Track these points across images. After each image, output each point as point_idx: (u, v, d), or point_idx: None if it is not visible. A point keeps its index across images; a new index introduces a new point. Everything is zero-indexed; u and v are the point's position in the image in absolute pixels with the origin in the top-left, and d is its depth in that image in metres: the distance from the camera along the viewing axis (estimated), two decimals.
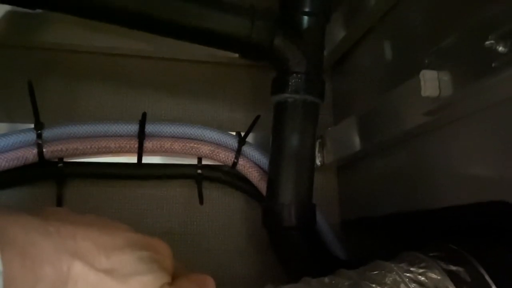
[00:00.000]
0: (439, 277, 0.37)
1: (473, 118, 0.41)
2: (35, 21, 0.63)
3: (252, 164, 0.65)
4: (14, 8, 0.61)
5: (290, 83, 0.57)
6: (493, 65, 0.33)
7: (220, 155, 0.64)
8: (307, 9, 0.58)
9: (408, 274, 0.38)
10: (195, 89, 0.71)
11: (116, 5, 0.53)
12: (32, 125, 0.59)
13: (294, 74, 0.58)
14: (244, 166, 0.65)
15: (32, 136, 0.58)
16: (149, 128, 0.62)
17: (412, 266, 0.39)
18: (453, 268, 0.38)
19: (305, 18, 0.59)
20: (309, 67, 0.58)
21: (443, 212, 0.47)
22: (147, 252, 0.32)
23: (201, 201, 0.66)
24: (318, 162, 0.69)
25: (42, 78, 0.64)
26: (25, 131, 0.59)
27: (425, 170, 0.51)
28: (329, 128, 0.68)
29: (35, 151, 0.58)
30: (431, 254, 0.41)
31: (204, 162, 0.66)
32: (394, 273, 0.38)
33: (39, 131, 0.58)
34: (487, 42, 0.33)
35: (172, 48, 0.67)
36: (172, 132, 0.63)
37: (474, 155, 0.42)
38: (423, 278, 0.38)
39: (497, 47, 0.33)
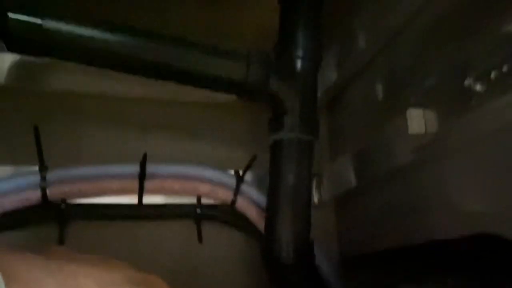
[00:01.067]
0: None
1: (460, 153, 0.43)
2: (42, 68, 0.67)
3: (251, 202, 0.66)
4: (22, 56, 0.64)
5: (285, 122, 0.60)
6: (472, 102, 0.35)
7: (219, 193, 0.66)
8: (300, 54, 0.62)
9: None
10: (194, 129, 0.73)
11: (118, 53, 0.56)
12: (37, 168, 0.61)
13: (289, 114, 0.60)
14: (242, 205, 0.66)
15: (36, 178, 0.60)
16: (149, 168, 0.63)
17: None
18: None
19: (298, 61, 0.62)
20: (303, 107, 0.61)
21: (439, 246, 0.48)
22: None
23: (200, 240, 0.67)
24: (315, 199, 0.70)
25: (46, 122, 0.66)
26: (30, 173, 0.60)
27: (420, 205, 0.52)
28: (326, 165, 0.70)
29: (38, 193, 0.59)
30: None
31: (203, 201, 0.67)
32: None
33: (43, 173, 0.60)
34: (466, 82, 0.36)
35: (171, 91, 0.69)
36: (172, 172, 0.65)
37: (464, 188, 0.43)
38: None
39: (475, 86, 0.35)
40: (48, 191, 0.60)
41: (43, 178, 0.60)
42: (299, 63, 0.62)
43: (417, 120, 0.40)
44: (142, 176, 0.63)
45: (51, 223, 0.63)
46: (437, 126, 0.40)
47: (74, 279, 0.30)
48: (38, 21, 0.52)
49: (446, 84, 0.39)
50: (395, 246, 0.57)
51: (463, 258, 0.47)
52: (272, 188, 0.60)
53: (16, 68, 0.66)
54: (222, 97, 0.65)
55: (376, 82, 0.60)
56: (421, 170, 0.49)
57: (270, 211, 0.60)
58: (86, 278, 0.30)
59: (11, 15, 0.52)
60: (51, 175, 0.60)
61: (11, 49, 0.55)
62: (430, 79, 0.41)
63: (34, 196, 0.59)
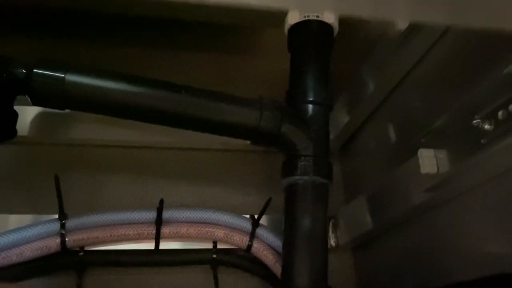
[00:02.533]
0: None
1: (474, 192, 0.43)
2: (62, 119, 0.70)
3: (267, 247, 0.66)
4: (44, 109, 0.67)
5: (299, 165, 0.60)
6: (482, 141, 0.36)
7: (235, 238, 0.66)
8: (311, 99, 0.63)
9: None
10: (209, 175, 0.75)
11: (136, 103, 0.58)
12: (56, 216, 0.62)
13: (302, 157, 0.61)
14: (258, 249, 0.66)
15: (56, 226, 0.61)
16: (166, 214, 0.64)
17: None
18: None
19: (310, 106, 0.63)
20: (316, 150, 0.62)
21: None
22: None
23: (217, 286, 0.66)
24: (332, 243, 0.69)
25: (66, 171, 0.68)
26: (49, 221, 0.62)
27: (436, 246, 0.51)
28: (341, 208, 0.70)
29: (58, 240, 0.60)
30: None
31: (219, 246, 0.67)
32: None
33: (62, 222, 0.61)
34: (475, 121, 0.37)
35: (187, 138, 0.71)
36: (188, 217, 0.65)
37: (480, 228, 0.43)
38: None
39: (484, 125, 0.36)
40: (67, 239, 0.61)
41: (63, 226, 0.61)
42: (310, 108, 0.63)
43: (429, 160, 0.41)
44: (158, 222, 0.63)
45: (70, 270, 0.63)
46: (449, 165, 0.40)
47: None
48: (61, 75, 0.56)
49: (456, 124, 0.40)
50: None
51: None
52: (287, 232, 0.60)
53: (38, 120, 0.69)
54: (236, 142, 0.67)
55: (386, 124, 0.62)
56: (436, 210, 0.49)
57: (286, 256, 0.60)
58: None
59: (36, 70, 0.55)
60: (70, 223, 0.61)
61: (35, 103, 0.58)
62: (440, 119, 0.42)
63: (54, 244, 0.60)
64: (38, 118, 0.69)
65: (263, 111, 0.61)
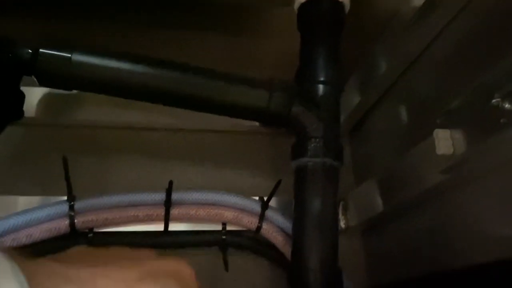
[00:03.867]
0: None
1: (491, 174, 0.42)
2: (70, 100, 0.69)
3: (276, 229, 0.66)
4: (51, 89, 0.67)
5: (309, 147, 0.59)
6: (501, 121, 0.35)
7: (244, 220, 0.65)
8: (321, 79, 0.62)
9: None
10: (218, 157, 0.74)
11: (144, 84, 0.58)
12: (65, 197, 0.62)
13: (313, 139, 0.60)
14: (268, 231, 0.65)
15: (65, 208, 0.61)
16: (175, 196, 0.64)
17: None
18: None
19: (320, 87, 0.62)
20: (327, 132, 0.60)
21: (470, 272, 0.46)
22: (170, 279, 0.33)
23: (226, 268, 0.66)
24: (342, 225, 0.69)
25: (74, 152, 0.67)
26: (58, 203, 0.61)
27: (449, 230, 0.51)
28: (351, 191, 0.69)
29: (67, 222, 0.60)
30: None
31: (228, 227, 0.67)
32: None
33: (71, 203, 0.61)
34: (494, 101, 0.35)
35: (195, 120, 0.71)
36: (197, 199, 0.65)
37: (495, 212, 0.42)
38: None
39: (504, 104, 0.35)
40: (76, 220, 0.61)
41: (71, 208, 0.61)
42: (321, 88, 0.62)
43: (445, 141, 0.40)
44: (168, 204, 0.63)
45: None
46: (466, 146, 0.39)
47: (92, 283, 0.30)
48: (67, 55, 0.55)
49: (474, 104, 0.38)
50: (424, 273, 0.56)
51: (496, 284, 0.45)
52: (297, 214, 0.60)
53: (45, 101, 0.69)
54: (245, 124, 0.66)
55: (400, 105, 0.60)
56: (450, 193, 0.48)
57: (296, 238, 0.60)
58: (104, 279, 0.31)
59: (42, 50, 0.55)
60: (79, 205, 0.61)
61: (42, 83, 0.57)
62: (457, 99, 0.41)
63: (63, 225, 0.60)
64: (46, 99, 0.69)
65: (273, 92, 0.60)
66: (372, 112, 0.70)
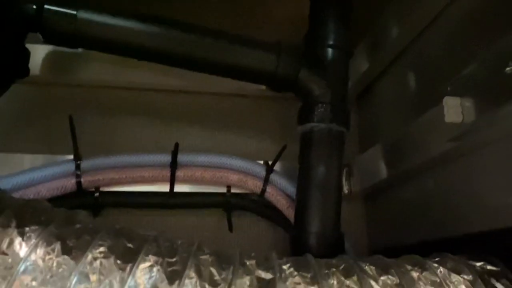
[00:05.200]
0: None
1: (498, 145, 0.41)
2: (75, 59, 0.68)
3: (280, 192, 0.66)
4: (56, 47, 0.66)
5: (315, 112, 0.59)
6: None
7: (249, 183, 0.66)
8: (331, 42, 0.61)
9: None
10: (224, 120, 0.74)
11: (150, 44, 0.57)
12: (71, 157, 0.62)
13: (319, 104, 0.59)
14: (272, 194, 0.66)
15: (71, 167, 0.61)
16: (181, 158, 0.64)
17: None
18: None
19: (329, 51, 0.61)
20: (334, 97, 0.60)
21: (472, 239, 0.47)
22: None
23: (231, 229, 0.67)
24: (345, 190, 0.69)
25: (80, 113, 0.67)
26: (65, 162, 0.62)
27: (452, 198, 0.51)
28: (356, 157, 0.69)
29: (73, 181, 0.61)
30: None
31: (233, 190, 0.67)
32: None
33: (78, 162, 0.61)
34: (508, 69, 0.34)
35: (202, 82, 0.70)
36: (203, 161, 0.65)
37: (500, 182, 0.42)
38: None
39: None
40: (82, 179, 0.61)
41: (78, 167, 0.61)
42: (330, 53, 0.61)
43: (454, 109, 0.39)
44: (173, 165, 0.63)
45: (86, 210, 0.64)
46: (475, 115, 0.39)
47: None
48: (73, 12, 0.54)
49: (486, 71, 0.38)
50: (425, 239, 0.56)
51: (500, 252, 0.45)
52: (302, 178, 0.60)
53: (50, 59, 0.68)
54: (252, 88, 0.65)
55: (409, 71, 0.59)
56: (455, 161, 0.48)
57: (300, 202, 0.60)
58: None
59: (47, 6, 0.54)
60: (85, 164, 0.62)
61: (47, 40, 0.56)
62: (469, 66, 0.40)
63: (70, 184, 0.61)
64: (51, 57, 0.68)
65: (281, 55, 0.59)
66: (381, 78, 0.69)
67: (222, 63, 0.59)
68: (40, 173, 0.60)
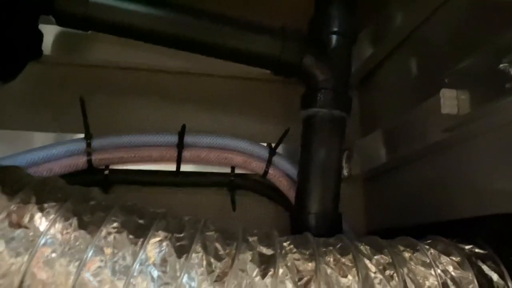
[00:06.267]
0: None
1: (492, 135, 0.43)
2: (86, 40, 0.70)
3: (282, 174, 0.69)
4: (66, 29, 0.67)
5: (318, 98, 0.61)
6: (506, 86, 0.36)
7: (252, 164, 0.68)
8: (335, 29, 0.62)
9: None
10: (228, 102, 0.76)
11: (159, 28, 0.58)
12: (81, 135, 0.65)
13: (322, 90, 0.61)
14: (274, 175, 0.69)
15: (82, 145, 0.64)
16: (187, 139, 0.66)
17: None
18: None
19: (333, 37, 0.62)
20: (337, 83, 0.62)
21: (464, 224, 0.49)
22: None
23: (234, 208, 0.70)
24: (345, 173, 0.72)
25: (90, 93, 0.69)
26: (76, 140, 0.64)
27: (446, 184, 0.53)
28: (356, 141, 0.71)
29: (84, 159, 0.63)
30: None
31: (236, 171, 0.70)
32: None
33: (88, 141, 0.64)
34: (501, 65, 0.36)
35: (208, 64, 0.71)
36: (208, 143, 0.68)
37: (493, 169, 0.44)
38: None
39: (510, 70, 0.36)
40: (93, 157, 0.64)
41: (89, 146, 0.64)
42: (334, 39, 0.63)
43: (450, 101, 0.41)
44: (180, 146, 0.66)
45: (95, 187, 0.67)
46: (470, 108, 0.41)
47: None
48: None
49: (482, 66, 0.39)
50: (420, 222, 0.59)
51: (489, 237, 0.48)
52: (303, 161, 0.63)
53: (61, 40, 0.69)
54: (257, 71, 0.67)
55: (411, 60, 0.61)
56: (451, 150, 0.50)
57: (301, 183, 0.63)
58: None
59: None
60: (95, 143, 0.64)
61: (59, 23, 0.58)
62: (466, 60, 0.42)
63: (81, 161, 0.64)
64: (62, 37, 0.69)
65: (285, 41, 0.61)
66: (383, 64, 0.71)
67: (228, 48, 0.61)
68: (52, 150, 0.62)
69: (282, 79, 0.73)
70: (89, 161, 0.64)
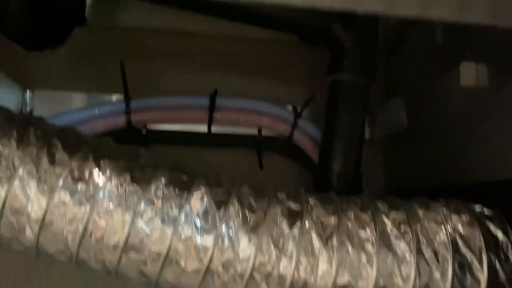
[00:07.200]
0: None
1: (507, 107, 0.46)
2: (123, 7, 0.73)
3: (307, 136, 0.73)
4: None
5: (344, 64, 0.63)
6: None
7: (278, 127, 0.73)
8: None
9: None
10: (257, 66, 0.78)
11: None
12: (119, 96, 0.70)
13: (349, 56, 0.64)
14: (299, 138, 0.73)
15: (122, 106, 0.69)
16: (218, 102, 0.71)
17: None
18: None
19: None
20: (363, 49, 0.64)
21: (478, 187, 0.53)
22: None
23: (261, 166, 0.75)
24: (367, 136, 0.75)
25: (128, 57, 0.73)
26: (116, 102, 0.70)
27: (461, 150, 0.56)
28: (380, 106, 0.74)
29: (124, 119, 0.69)
30: None
31: (263, 133, 0.74)
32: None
33: (127, 102, 0.69)
34: None
35: (238, 28, 0.73)
36: (238, 105, 0.72)
37: (505, 139, 0.47)
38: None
39: None
40: (132, 118, 0.69)
41: (128, 106, 0.69)
42: None
43: (470, 73, 0.44)
44: (211, 108, 0.70)
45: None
46: (488, 81, 0.43)
47: None
48: None
49: (501, 41, 0.42)
50: (437, 184, 0.62)
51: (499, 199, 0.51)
52: (328, 124, 0.66)
53: (99, 4, 0.73)
54: (285, 36, 0.69)
55: (436, 29, 0.62)
56: (470, 119, 0.53)
57: (325, 145, 0.67)
58: None
59: None
60: (134, 104, 0.69)
61: None
62: (486, 34, 0.44)
63: (121, 121, 0.69)
64: (101, 2, 0.73)
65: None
66: (409, 31, 0.72)
67: (256, 12, 0.63)
68: (95, 111, 0.68)
69: (310, 45, 0.76)
70: (128, 121, 0.69)
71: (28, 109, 0.71)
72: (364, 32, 0.65)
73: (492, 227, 0.45)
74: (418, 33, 0.69)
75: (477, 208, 0.47)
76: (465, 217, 0.45)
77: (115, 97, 0.74)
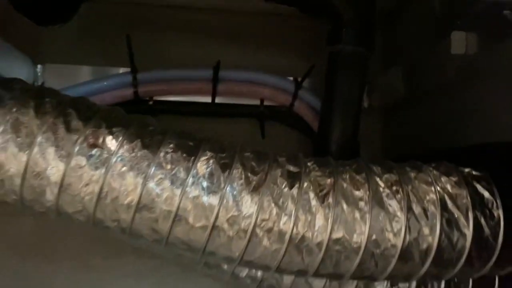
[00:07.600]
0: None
1: (496, 73, 0.48)
2: None
3: (307, 106, 0.76)
4: None
5: (343, 35, 0.65)
6: (508, 30, 0.41)
7: (280, 97, 0.75)
8: None
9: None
10: (258, 39, 0.81)
11: None
12: (126, 69, 0.72)
13: (347, 27, 0.65)
14: (299, 107, 0.76)
15: (129, 78, 0.72)
16: (221, 73, 0.73)
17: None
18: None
19: None
20: (362, 20, 0.66)
21: (468, 150, 0.56)
22: None
23: (263, 135, 0.78)
24: (365, 104, 0.77)
25: (134, 30, 0.75)
26: (123, 74, 0.72)
27: (459, 115, 0.59)
28: (378, 75, 0.76)
29: (131, 90, 0.72)
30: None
31: (265, 103, 0.77)
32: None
33: (134, 75, 0.71)
34: (505, 11, 0.41)
35: (241, 2, 0.76)
36: (240, 77, 0.75)
37: (499, 103, 0.50)
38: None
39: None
40: (139, 89, 0.72)
41: (135, 79, 0.71)
42: None
43: (460, 42, 0.46)
44: (215, 80, 0.73)
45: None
46: (477, 49, 0.45)
47: None
48: None
49: (489, 11, 0.44)
50: (431, 149, 0.65)
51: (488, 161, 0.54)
52: (327, 94, 0.69)
53: None
54: (284, 8, 0.71)
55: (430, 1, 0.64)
56: (461, 87, 0.55)
57: (324, 115, 0.69)
58: None
59: None
60: (140, 76, 0.72)
61: None
62: (477, 5, 0.46)
63: (128, 93, 0.72)
64: None
65: None
66: (406, 2, 0.73)
67: None
68: (104, 83, 0.71)
69: (310, 16, 0.77)
70: (136, 93, 0.72)
71: (40, 82, 0.73)
72: (362, 3, 0.66)
73: (479, 187, 0.48)
74: (415, 2, 0.71)
75: (467, 170, 0.50)
76: (454, 178, 0.48)
77: (122, 70, 0.76)
